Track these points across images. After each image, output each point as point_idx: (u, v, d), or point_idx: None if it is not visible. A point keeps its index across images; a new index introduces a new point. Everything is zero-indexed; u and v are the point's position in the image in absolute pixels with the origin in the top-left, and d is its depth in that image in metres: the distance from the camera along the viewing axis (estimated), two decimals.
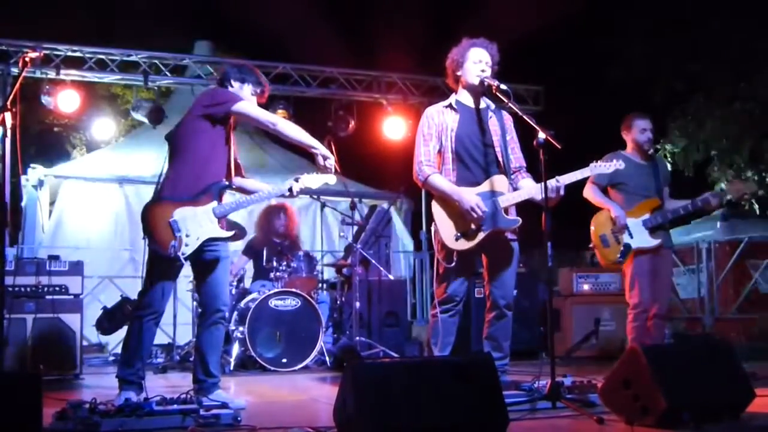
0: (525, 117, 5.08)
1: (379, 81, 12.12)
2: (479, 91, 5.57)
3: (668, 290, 6.70)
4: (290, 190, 5.42)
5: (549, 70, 14.09)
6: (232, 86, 5.43)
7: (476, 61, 5.51)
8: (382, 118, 11.97)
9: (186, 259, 5.08)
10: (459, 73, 5.58)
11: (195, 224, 5.08)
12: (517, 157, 5.63)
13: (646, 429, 3.95)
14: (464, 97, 5.61)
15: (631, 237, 6.42)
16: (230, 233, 5.27)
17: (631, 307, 6.43)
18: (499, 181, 5.40)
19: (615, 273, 8.99)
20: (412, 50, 13.19)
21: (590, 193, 6.63)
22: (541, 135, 4.89)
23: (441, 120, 5.51)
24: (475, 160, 5.46)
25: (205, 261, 5.21)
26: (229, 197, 5.49)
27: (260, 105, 5.50)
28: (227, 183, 5.35)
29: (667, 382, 3.97)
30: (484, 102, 5.64)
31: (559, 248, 5.00)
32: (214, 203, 5.19)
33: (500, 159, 5.50)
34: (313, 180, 5.52)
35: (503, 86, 5.28)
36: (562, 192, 5.21)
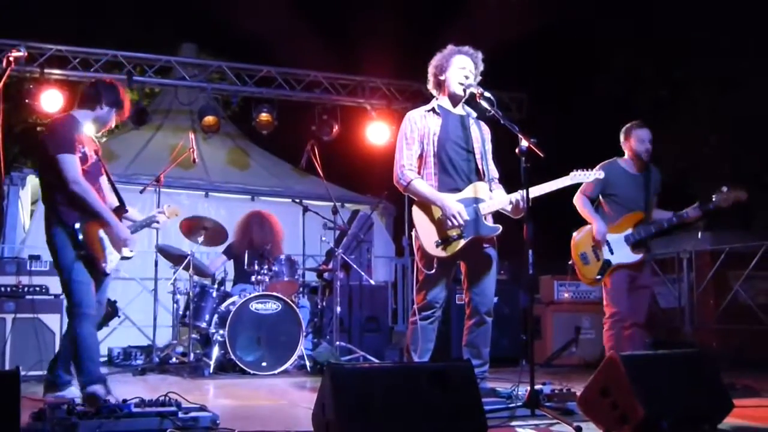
0: (508, 125, 5.09)
1: (363, 86, 12.14)
2: (461, 98, 5.59)
3: (648, 300, 6.71)
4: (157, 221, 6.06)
5: (533, 77, 14.14)
6: (102, 108, 5.58)
7: (461, 68, 5.52)
8: (365, 123, 11.98)
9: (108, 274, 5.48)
10: (441, 78, 5.58)
11: (110, 246, 5.45)
12: (491, 169, 5.65)
13: None
14: (446, 103, 5.62)
15: (612, 253, 6.43)
16: (134, 253, 5.69)
17: (608, 316, 6.45)
18: (481, 188, 5.41)
19: None
20: (396, 56, 13.19)
21: (579, 202, 6.63)
22: (524, 143, 4.91)
23: (424, 124, 5.50)
24: (457, 165, 5.46)
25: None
26: None
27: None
28: (125, 205, 5.73)
29: (646, 391, 3.98)
30: (465, 110, 5.66)
31: (541, 256, 5.00)
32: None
33: (480, 166, 5.51)
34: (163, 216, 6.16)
35: (487, 93, 5.29)
36: (521, 206, 5.22)
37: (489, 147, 5.67)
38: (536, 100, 13.02)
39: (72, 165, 5.22)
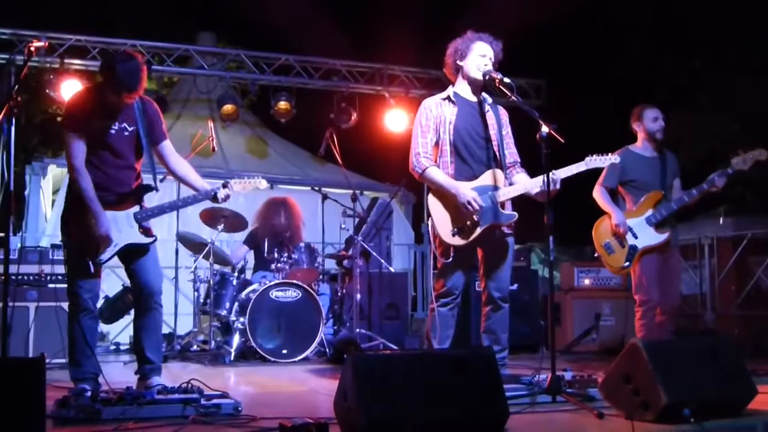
0: (528, 110, 5.07)
1: (381, 73, 12.12)
2: (480, 84, 5.56)
3: (677, 288, 6.62)
4: (215, 196, 5.33)
5: (551, 63, 14.07)
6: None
7: (481, 55, 5.49)
8: (384, 111, 11.96)
9: (104, 263, 5.07)
10: (461, 63, 5.54)
11: (114, 230, 5.05)
12: (511, 152, 5.62)
13: (646, 424, 3.95)
14: (462, 90, 5.59)
15: (636, 237, 6.35)
16: (150, 239, 5.21)
17: (638, 304, 6.37)
18: (498, 176, 5.40)
19: None
20: (414, 43, 13.17)
21: (598, 195, 6.56)
22: (544, 128, 4.89)
23: (439, 112, 5.49)
24: (473, 153, 5.45)
25: (130, 259, 5.19)
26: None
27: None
28: (152, 186, 5.29)
29: (668, 377, 3.96)
30: (482, 96, 5.63)
31: (561, 243, 4.99)
32: (136, 207, 5.18)
33: (497, 153, 5.50)
34: (242, 185, 5.47)
35: (507, 79, 5.27)
36: (558, 186, 5.18)
37: (508, 131, 5.65)
38: (554, 86, 12.96)
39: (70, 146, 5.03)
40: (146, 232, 5.20)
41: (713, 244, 9.79)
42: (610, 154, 5.49)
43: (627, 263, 6.36)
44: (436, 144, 5.48)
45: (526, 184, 5.38)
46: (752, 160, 6.19)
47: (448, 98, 5.54)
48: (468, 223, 5.29)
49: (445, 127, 5.44)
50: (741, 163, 6.21)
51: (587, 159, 5.42)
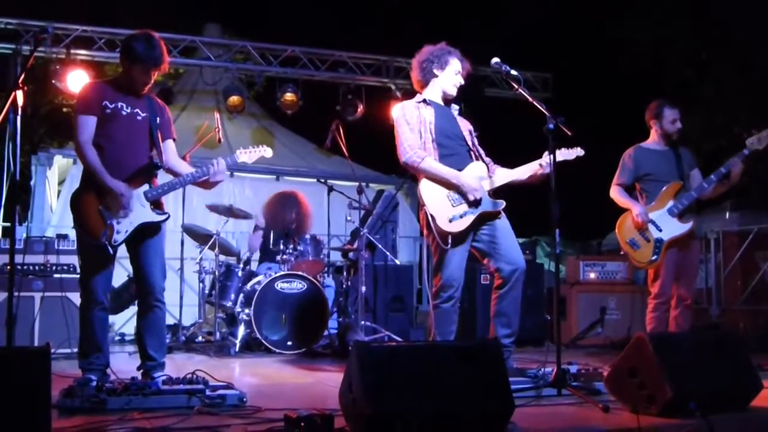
0: (537, 103, 5.07)
1: (387, 65, 12.13)
2: (450, 99, 5.72)
3: (695, 280, 6.57)
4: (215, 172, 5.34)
5: (559, 57, 14.05)
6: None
7: (456, 72, 5.64)
8: (390, 103, 11.95)
9: (119, 244, 5.03)
10: (437, 72, 5.65)
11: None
12: (482, 154, 5.73)
13: (652, 418, 3.95)
14: (433, 96, 5.69)
15: (660, 230, 6.27)
16: (163, 216, 5.19)
17: (652, 296, 6.31)
18: (481, 167, 5.52)
19: (621, 262, 8.97)
20: (420, 35, 13.16)
21: (615, 194, 6.50)
22: (552, 122, 4.88)
23: (419, 113, 5.55)
24: (454, 150, 5.54)
25: (137, 243, 5.15)
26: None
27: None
28: (158, 164, 5.25)
29: (674, 371, 3.96)
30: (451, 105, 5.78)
31: (566, 237, 4.98)
32: (146, 186, 5.16)
33: (473, 151, 5.62)
34: (248, 155, 5.67)
35: (513, 72, 5.28)
36: (544, 170, 5.32)
37: (475, 138, 5.77)
38: (560, 80, 12.95)
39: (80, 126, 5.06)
40: (158, 206, 5.20)
41: (719, 238, 9.77)
42: (577, 147, 5.51)
43: (655, 257, 6.25)
44: None
45: (510, 173, 5.51)
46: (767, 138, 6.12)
47: (424, 101, 5.64)
48: (462, 211, 5.32)
49: (426, 127, 5.51)
50: (756, 142, 6.10)
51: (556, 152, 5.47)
